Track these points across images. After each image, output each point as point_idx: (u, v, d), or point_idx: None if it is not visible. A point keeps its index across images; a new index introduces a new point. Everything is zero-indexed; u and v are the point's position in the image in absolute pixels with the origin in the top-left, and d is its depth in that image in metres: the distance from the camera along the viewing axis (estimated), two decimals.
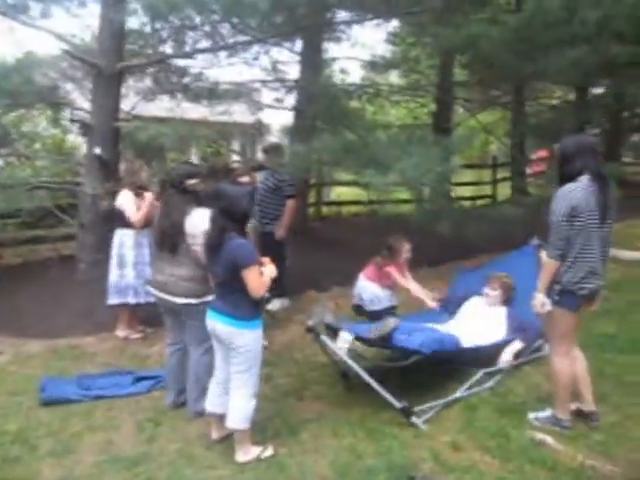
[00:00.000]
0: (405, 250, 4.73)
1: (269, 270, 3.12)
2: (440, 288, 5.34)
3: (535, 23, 4.81)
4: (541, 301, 3.12)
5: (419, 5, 5.17)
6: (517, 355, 4.17)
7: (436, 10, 5.34)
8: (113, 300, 5.02)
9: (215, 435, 3.33)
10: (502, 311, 4.49)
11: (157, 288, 3.58)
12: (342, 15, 6.08)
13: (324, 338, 3.36)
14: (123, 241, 4.97)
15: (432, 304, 4.67)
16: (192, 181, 3.58)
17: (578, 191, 3.03)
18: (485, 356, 4.13)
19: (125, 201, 4.88)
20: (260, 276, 3.00)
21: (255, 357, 3.07)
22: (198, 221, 3.37)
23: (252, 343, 3.04)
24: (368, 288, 4.76)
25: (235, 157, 10.01)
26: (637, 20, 5.35)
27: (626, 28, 5.36)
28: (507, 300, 4.57)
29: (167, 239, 3.54)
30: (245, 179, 4.62)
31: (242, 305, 3.01)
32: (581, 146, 3.14)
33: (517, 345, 4.18)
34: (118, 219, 4.98)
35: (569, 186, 3.07)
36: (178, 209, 3.51)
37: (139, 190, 4.91)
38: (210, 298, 3.38)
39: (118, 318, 5.16)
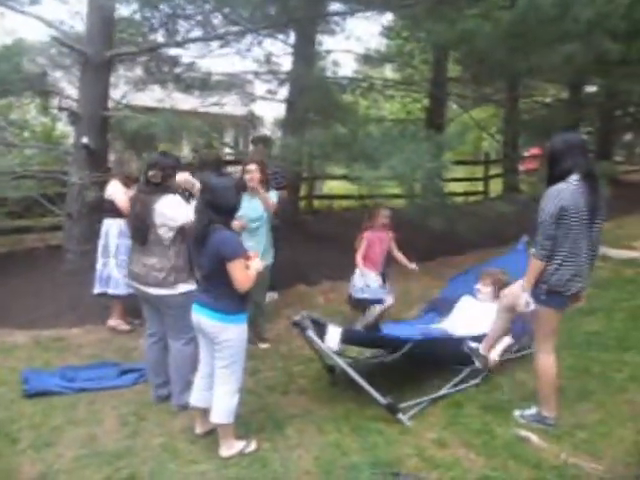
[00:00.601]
0: (382, 215, 4.99)
1: (256, 264, 3.09)
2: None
3: (528, 20, 4.79)
4: (526, 300, 3.12)
5: None
6: (506, 351, 4.15)
7: (429, 4, 5.30)
8: (96, 289, 5.01)
9: (199, 429, 3.30)
10: (493, 307, 4.48)
11: (133, 279, 3.58)
12: (335, 7, 6.02)
13: (310, 333, 3.33)
14: (108, 231, 4.95)
15: (411, 266, 5.00)
16: (151, 172, 3.49)
17: (567, 191, 3.01)
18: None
19: (114, 191, 4.84)
20: (246, 270, 2.97)
21: (239, 352, 3.04)
22: (164, 210, 3.38)
23: (237, 338, 3.01)
24: (364, 274, 4.94)
25: (227, 149, 9.90)
26: (631, 19, 5.35)
27: (619, 26, 5.34)
28: (499, 297, 4.56)
29: (136, 231, 3.54)
30: (248, 168, 4.51)
31: (227, 299, 2.98)
32: (571, 145, 3.12)
33: (506, 341, 4.15)
34: (106, 209, 4.95)
35: (559, 186, 3.05)
36: (141, 201, 3.49)
37: (128, 181, 4.86)
38: (185, 288, 3.40)
39: (111, 308, 5.12)
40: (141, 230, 3.46)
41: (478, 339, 4.07)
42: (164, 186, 3.49)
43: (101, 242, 5.01)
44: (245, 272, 2.96)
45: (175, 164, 3.63)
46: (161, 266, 3.42)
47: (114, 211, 4.80)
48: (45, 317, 5.25)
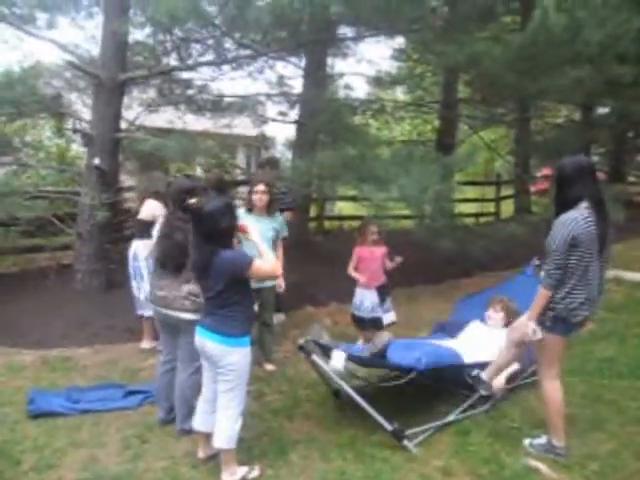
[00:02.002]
0: (370, 231, 5.03)
1: (252, 230, 3.13)
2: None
3: (538, 42, 4.79)
4: (532, 329, 3.06)
5: (422, 22, 5.17)
6: (511, 378, 4.07)
7: (438, 28, 5.35)
8: (139, 311, 5.06)
9: (202, 454, 3.26)
10: (502, 333, 4.41)
11: (159, 304, 3.51)
12: (345, 31, 6.09)
13: (315, 357, 3.29)
14: (137, 252, 4.93)
15: (397, 259, 5.02)
16: (193, 200, 3.44)
17: (580, 220, 2.96)
18: None
19: (158, 212, 4.67)
20: (264, 262, 3.00)
21: (242, 375, 3.01)
22: None
23: (240, 362, 2.98)
24: (361, 293, 5.04)
25: (238, 170, 9.99)
26: None
27: (630, 49, 5.33)
28: (509, 324, 4.49)
29: (169, 260, 3.45)
30: (257, 189, 4.51)
31: (232, 321, 2.95)
32: (581, 170, 3.07)
33: (513, 367, 4.08)
34: (139, 229, 4.91)
35: (570, 214, 2.99)
36: (180, 229, 3.39)
37: (160, 199, 4.87)
38: None
39: (143, 329, 5.11)
40: (178, 258, 3.35)
41: (484, 366, 4.00)
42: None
43: (131, 264, 4.99)
44: (266, 264, 3.00)
45: (206, 188, 3.61)
46: (188, 291, 3.37)
47: (147, 232, 4.67)
48: (53, 336, 5.27)
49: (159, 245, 3.58)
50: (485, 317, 4.56)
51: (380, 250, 5.07)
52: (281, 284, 4.62)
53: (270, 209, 4.54)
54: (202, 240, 2.93)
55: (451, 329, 4.69)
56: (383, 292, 5.09)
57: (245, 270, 2.90)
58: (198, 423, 3.20)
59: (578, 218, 2.97)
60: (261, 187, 4.47)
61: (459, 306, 5.21)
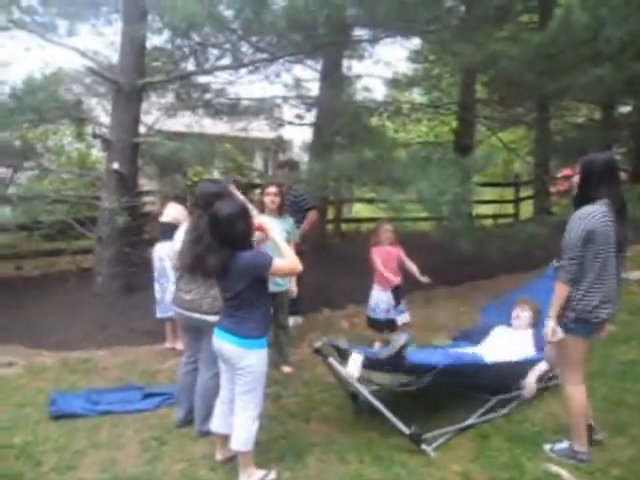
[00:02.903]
0: (384, 230, 5.03)
1: (271, 227, 3.15)
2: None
3: (559, 41, 4.72)
4: (552, 328, 3.01)
5: (438, 23, 5.14)
6: (541, 378, 3.99)
7: (455, 28, 5.30)
8: (159, 314, 5.07)
9: (219, 456, 3.27)
10: (529, 333, 4.36)
11: (185, 307, 3.53)
12: (361, 33, 6.08)
13: (332, 360, 3.28)
14: (161, 254, 4.96)
15: (423, 278, 4.91)
16: (220, 202, 3.45)
17: (596, 215, 2.92)
18: (503, 381, 3.98)
19: (182, 215, 4.75)
20: (284, 261, 3.00)
21: (259, 378, 3.01)
22: None
23: (257, 364, 2.98)
24: (377, 295, 5.02)
25: (255, 173, 10.04)
26: None
27: None
28: (535, 324, 4.44)
29: (201, 264, 3.37)
30: (269, 190, 4.52)
31: (249, 323, 2.96)
32: (610, 167, 3.03)
33: (542, 366, 3.98)
34: (164, 232, 4.90)
35: (587, 209, 2.96)
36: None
37: (182, 202, 4.92)
38: None
39: (167, 331, 5.14)
40: (206, 262, 3.28)
41: (509, 365, 3.94)
42: None
43: (156, 266, 5.03)
44: (286, 262, 2.99)
45: (231, 192, 3.62)
46: (216, 294, 3.37)
47: (170, 234, 4.52)
48: (73, 338, 5.35)
49: (189, 250, 3.55)
50: (512, 317, 4.50)
51: (396, 250, 5.05)
52: (293, 290, 4.61)
53: (281, 210, 4.55)
54: (220, 244, 2.94)
55: (474, 337, 4.60)
56: (398, 294, 5.06)
57: (266, 269, 2.92)
58: (216, 425, 3.21)
59: (594, 213, 2.92)
60: (273, 189, 4.49)
61: (484, 313, 5.13)
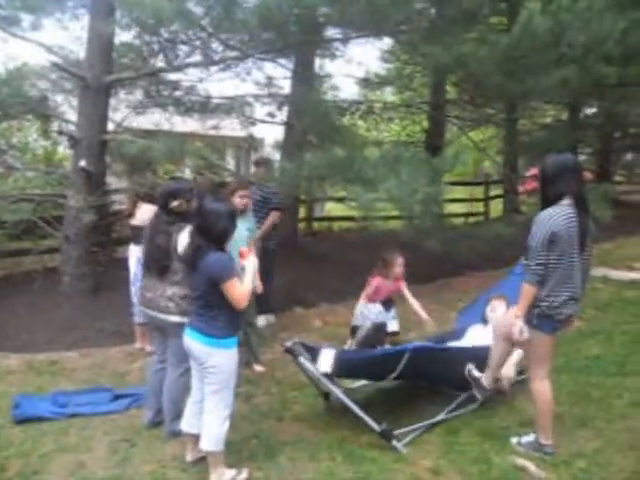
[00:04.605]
0: (397, 264, 4.88)
1: (251, 262, 3.13)
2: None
3: (523, 45, 4.81)
4: (519, 327, 3.06)
5: (408, 24, 5.18)
6: (519, 369, 4.05)
7: (425, 30, 5.35)
8: (138, 319, 4.94)
9: (190, 457, 3.24)
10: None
11: (147, 306, 3.51)
12: (332, 32, 6.09)
13: (302, 360, 3.29)
14: (139, 257, 4.70)
15: (426, 318, 4.79)
16: (175, 202, 3.45)
17: (559, 217, 2.97)
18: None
19: (148, 214, 4.70)
20: (241, 287, 2.94)
21: (228, 378, 2.99)
22: (185, 241, 3.29)
23: (226, 363, 2.97)
24: (364, 306, 4.92)
25: (227, 172, 9.96)
26: (626, 43, 5.38)
27: (615, 50, 5.36)
28: None
29: (154, 263, 3.46)
30: (244, 192, 4.52)
31: (218, 322, 2.95)
32: (563, 167, 3.09)
33: (516, 356, 4.00)
34: (135, 235, 4.80)
35: (549, 211, 3.01)
36: (163, 232, 3.42)
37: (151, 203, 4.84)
38: None
39: (136, 330, 5.06)
40: (161, 261, 3.39)
41: (479, 350, 3.96)
42: (184, 216, 3.42)
43: (132, 270, 4.93)
44: (240, 290, 2.92)
45: (192, 190, 3.61)
46: (183, 294, 3.36)
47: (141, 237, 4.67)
48: (40, 340, 5.23)
49: (145, 247, 3.59)
50: (487, 311, 4.54)
51: (399, 285, 4.96)
52: (259, 286, 4.59)
53: (245, 209, 4.55)
54: (197, 234, 2.95)
55: (451, 337, 4.60)
56: (389, 304, 5.04)
57: (223, 280, 2.86)
58: (187, 425, 3.18)
59: (557, 215, 2.98)
60: (246, 192, 4.51)
61: (459, 318, 5.17)
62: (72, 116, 6.71)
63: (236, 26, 4.80)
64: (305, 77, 7.12)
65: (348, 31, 5.68)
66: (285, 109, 8.43)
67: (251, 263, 3.15)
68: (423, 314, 4.84)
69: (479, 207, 12.85)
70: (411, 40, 6.21)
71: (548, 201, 3.08)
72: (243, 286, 2.97)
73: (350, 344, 4.84)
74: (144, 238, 3.63)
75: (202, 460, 3.16)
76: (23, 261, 7.12)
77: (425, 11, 5.58)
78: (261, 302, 4.88)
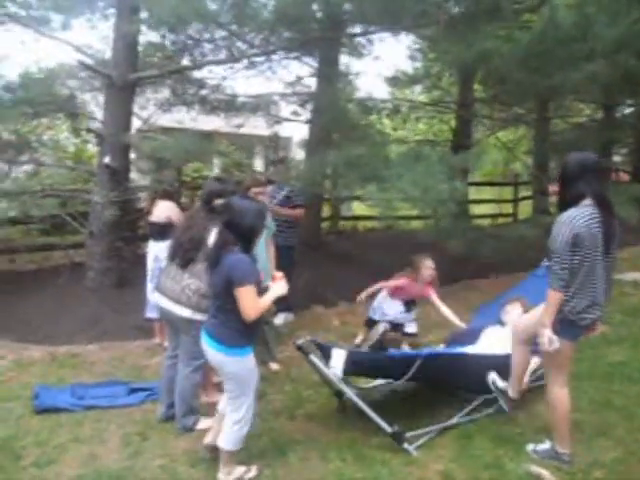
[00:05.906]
0: (426, 267, 4.80)
1: (279, 287, 2.96)
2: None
3: (547, 39, 4.66)
4: (549, 338, 2.89)
5: (426, 18, 5.06)
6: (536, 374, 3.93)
7: (445, 25, 5.22)
8: (150, 314, 5.00)
9: (208, 439, 3.18)
10: None
11: (163, 294, 3.51)
12: (351, 29, 6.03)
13: (313, 358, 3.26)
14: (158, 255, 4.80)
15: (460, 324, 4.67)
16: (220, 201, 3.46)
17: (581, 218, 2.86)
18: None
19: (176, 215, 4.77)
20: (255, 298, 2.79)
21: (246, 384, 2.93)
22: None
23: (242, 371, 2.91)
24: (384, 298, 4.91)
25: (254, 170, 10.02)
26: None
27: None
28: None
29: (180, 252, 3.47)
30: (258, 189, 4.53)
31: (231, 328, 2.84)
32: (584, 167, 2.97)
33: (534, 361, 3.86)
34: (157, 231, 4.85)
35: (571, 212, 2.90)
36: (200, 225, 3.45)
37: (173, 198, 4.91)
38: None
39: (155, 326, 5.13)
40: (189, 252, 3.41)
41: (496, 358, 3.88)
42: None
43: (150, 266, 4.96)
44: (254, 301, 2.77)
45: (235, 192, 3.62)
46: (196, 288, 3.39)
47: (163, 234, 4.62)
48: (63, 333, 5.34)
49: (176, 236, 3.60)
50: (502, 314, 4.46)
51: (430, 291, 4.83)
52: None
53: None
54: (225, 230, 2.88)
55: (466, 339, 4.51)
56: (410, 304, 4.98)
57: (239, 283, 2.74)
58: (222, 406, 3.11)
59: (578, 216, 2.87)
60: (261, 189, 4.52)
61: (476, 315, 5.09)
62: (100, 114, 6.84)
63: (253, 23, 4.80)
64: (328, 75, 7.07)
65: (367, 26, 5.61)
66: (309, 107, 8.40)
67: (279, 287, 2.98)
68: (457, 321, 4.70)
69: (508, 208, 12.60)
70: (432, 36, 6.10)
71: (568, 202, 2.98)
72: (259, 300, 2.83)
73: (361, 340, 4.79)
74: (177, 228, 3.66)
75: (213, 451, 3.12)
76: (53, 256, 7.31)
77: (443, 5, 5.44)
78: (280, 300, 4.87)
